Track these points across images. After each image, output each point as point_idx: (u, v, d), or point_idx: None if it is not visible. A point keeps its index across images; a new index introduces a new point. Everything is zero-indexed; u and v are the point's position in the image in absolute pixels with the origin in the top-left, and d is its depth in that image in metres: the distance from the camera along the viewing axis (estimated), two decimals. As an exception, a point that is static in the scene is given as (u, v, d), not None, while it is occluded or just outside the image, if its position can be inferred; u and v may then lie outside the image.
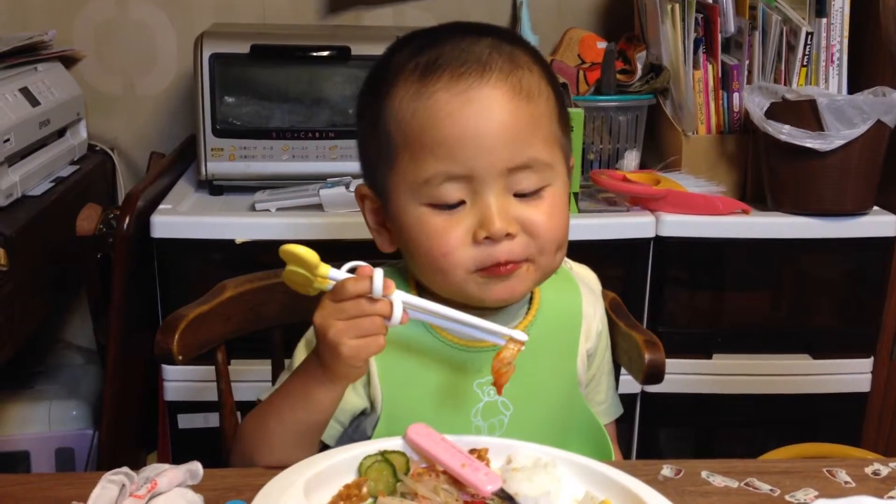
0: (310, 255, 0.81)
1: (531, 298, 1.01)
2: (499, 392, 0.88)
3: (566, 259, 1.07)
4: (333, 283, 0.83)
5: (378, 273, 0.82)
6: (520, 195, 0.90)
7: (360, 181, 0.99)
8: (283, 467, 0.80)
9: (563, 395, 1.01)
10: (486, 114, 0.87)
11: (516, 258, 0.90)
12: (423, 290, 0.97)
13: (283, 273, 0.83)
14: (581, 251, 1.17)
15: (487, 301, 0.92)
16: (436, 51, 0.89)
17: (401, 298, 0.83)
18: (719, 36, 1.79)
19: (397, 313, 0.82)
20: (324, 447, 0.95)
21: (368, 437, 0.95)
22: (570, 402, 1.02)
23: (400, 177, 0.90)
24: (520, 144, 0.88)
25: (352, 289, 0.82)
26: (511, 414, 0.97)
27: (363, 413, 0.97)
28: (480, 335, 0.87)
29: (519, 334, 0.86)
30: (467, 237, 0.88)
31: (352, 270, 0.84)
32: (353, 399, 0.95)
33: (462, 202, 0.89)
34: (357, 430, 0.98)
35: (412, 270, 0.97)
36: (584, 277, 1.09)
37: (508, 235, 0.88)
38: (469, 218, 0.88)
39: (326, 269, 0.82)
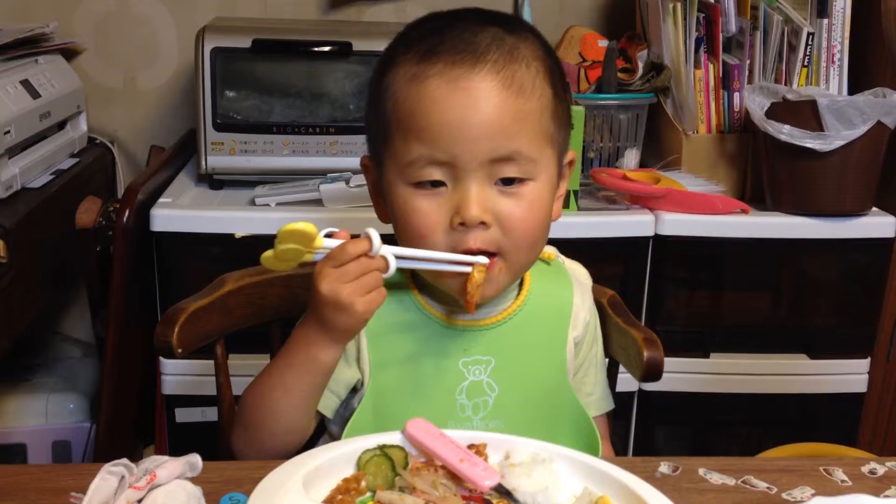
0: (310, 227, 0.85)
1: (521, 285, 1.02)
2: (471, 310, 0.93)
3: (559, 254, 1.08)
4: (323, 252, 0.87)
5: (374, 232, 0.87)
6: (503, 182, 0.91)
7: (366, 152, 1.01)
8: (283, 454, 0.82)
9: (551, 382, 1.02)
10: (472, 104, 0.89)
11: (487, 247, 0.92)
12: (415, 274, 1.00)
13: (267, 255, 0.85)
14: (580, 249, 1.17)
15: (456, 291, 0.94)
16: (438, 37, 0.92)
17: (391, 252, 0.88)
18: (720, 35, 1.79)
19: (392, 265, 0.88)
20: (323, 419, 0.99)
21: (354, 410, 0.97)
22: (558, 390, 1.02)
23: (391, 155, 0.94)
24: (504, 137, 0.90)
25: (353, 250, 0.86)
26: (496, 396, 0.98)
27: (354, 388, 1.00)
28: (449, 268, 0.92)
29: (481, 258, 0.91)
30: (445, 222, 0.91)
31: (328, 236, 0.88)
32: (348, 372, 0.98)
33: (444, 184, 0.91)
34: (347, 408, 1.00)
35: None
36: (575, 272, 1.11)
37: (482, 224, 0.91)
38: (449, 203, 0.91)
39: (321, 241, 0.87)
